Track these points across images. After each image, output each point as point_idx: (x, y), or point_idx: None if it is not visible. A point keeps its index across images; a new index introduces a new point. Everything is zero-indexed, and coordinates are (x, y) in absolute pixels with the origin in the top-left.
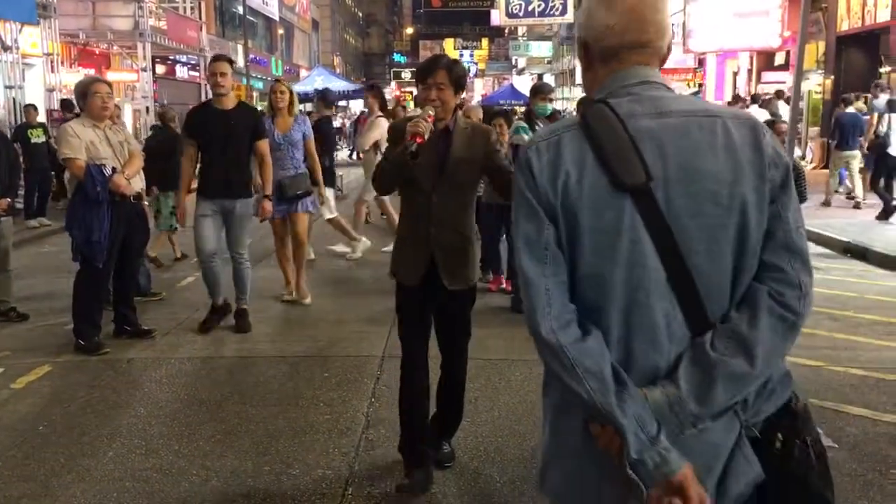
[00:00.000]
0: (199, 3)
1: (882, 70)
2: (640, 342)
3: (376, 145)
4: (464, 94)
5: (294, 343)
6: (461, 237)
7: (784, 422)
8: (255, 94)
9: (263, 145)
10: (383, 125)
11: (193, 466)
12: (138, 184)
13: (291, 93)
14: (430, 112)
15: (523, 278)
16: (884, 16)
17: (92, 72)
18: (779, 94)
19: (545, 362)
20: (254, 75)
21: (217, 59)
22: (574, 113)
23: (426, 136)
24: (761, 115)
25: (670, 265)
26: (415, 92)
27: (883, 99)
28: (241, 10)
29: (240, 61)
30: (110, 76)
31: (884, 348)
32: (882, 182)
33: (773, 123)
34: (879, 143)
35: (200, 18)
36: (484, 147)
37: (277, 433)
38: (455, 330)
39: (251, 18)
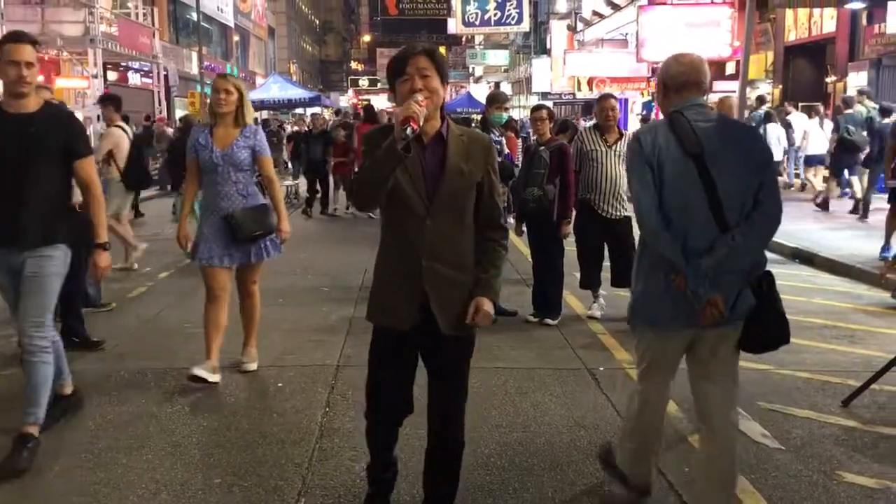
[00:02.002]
0: (152, 10)
1: (828, 79)
2: (692, 234)
3: (110, 154)
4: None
5: None
6: (461, 271)
7: (766, 278)
8: (209, 101)
9: (87, 167)
10: (115, 134)
11: (142, 480)
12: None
13: (242, 94)
14: (421, 97)
15: (637, 199)
16: (829, 27)
17: (41, 78)
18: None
19: (647, 241)
20: (209, 82)
21: (14, 38)
22: (526, 118)
23: (421, 122)
24: None
25: (710, 195)
26: (373, 100)
27: (762, 111)
28: (195, 16)
29: (194, 68)
30: (60, 83)
31: (829, 351)
32: None
33: None
34: None
35: (153, 25)
36: (484, 160)
37: (229, 445)
38: (454, 387)
39: (206, 25)
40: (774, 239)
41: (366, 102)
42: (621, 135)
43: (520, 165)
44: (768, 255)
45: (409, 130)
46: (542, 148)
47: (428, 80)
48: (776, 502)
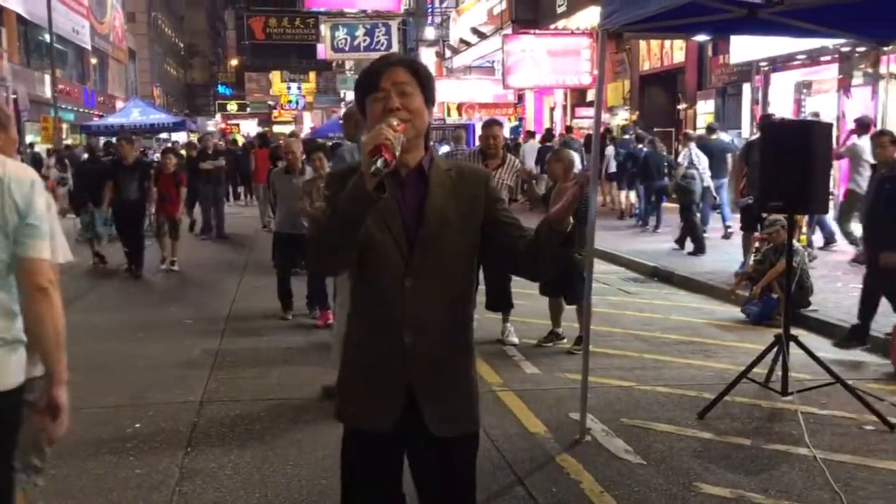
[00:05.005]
0: (0, 30)
1: (680, 107)
2: None
3: None
4: (300, 125)
5: (102, 393)
6: (456, 347)
7: None
8: (65, 126)
9: None
10: None
11: None
12: None
13: None
14: (395, 121)
15: None
16: (679, 57)
17: None
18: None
19: None
20: (64, 106)
21: None
22: None
23: (397, 152)
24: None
25: None
26: (243, 126)
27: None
28: (48, 37)
29: (47, 92)
30: None
31: (686, 366)
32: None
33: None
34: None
35: (2, 46)
36: (483, 198)
37: (80, 494)
38: (459, 495)
39: (60, 47)
40: (634, 258)
41: (234, 127)
42: (504, 161)
43: None
44: (632, 274)
45: (380, 163)
46: None
47: (408, 99)
48: None
